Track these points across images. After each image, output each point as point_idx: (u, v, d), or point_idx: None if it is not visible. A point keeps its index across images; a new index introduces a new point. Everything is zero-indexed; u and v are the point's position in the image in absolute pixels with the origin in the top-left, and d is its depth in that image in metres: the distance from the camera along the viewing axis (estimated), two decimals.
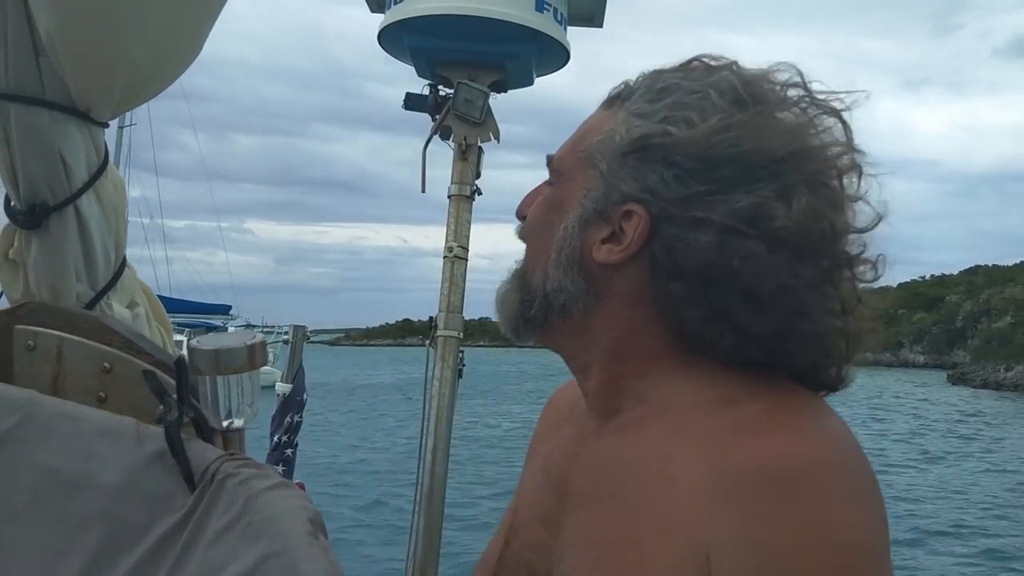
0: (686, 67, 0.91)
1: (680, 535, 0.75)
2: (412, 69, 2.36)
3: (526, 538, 1.00)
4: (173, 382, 0.87)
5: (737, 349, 0.84)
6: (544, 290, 0.93)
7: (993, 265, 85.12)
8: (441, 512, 2.26)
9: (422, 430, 2.31)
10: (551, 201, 0.95)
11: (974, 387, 51.80)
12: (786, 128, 0.85)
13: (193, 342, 0.90)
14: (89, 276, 1.08)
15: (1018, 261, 79.71)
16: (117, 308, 1.12)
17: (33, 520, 0.85)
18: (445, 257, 2.35)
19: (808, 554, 0.71)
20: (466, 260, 2.36)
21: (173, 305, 35.05)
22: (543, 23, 2.14)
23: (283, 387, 2.89)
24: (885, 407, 36.61)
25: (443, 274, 2.35)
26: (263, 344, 0.90)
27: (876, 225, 0.87)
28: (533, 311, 0.95)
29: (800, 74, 0.89)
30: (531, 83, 2.38)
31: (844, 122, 0.87)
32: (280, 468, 2.73)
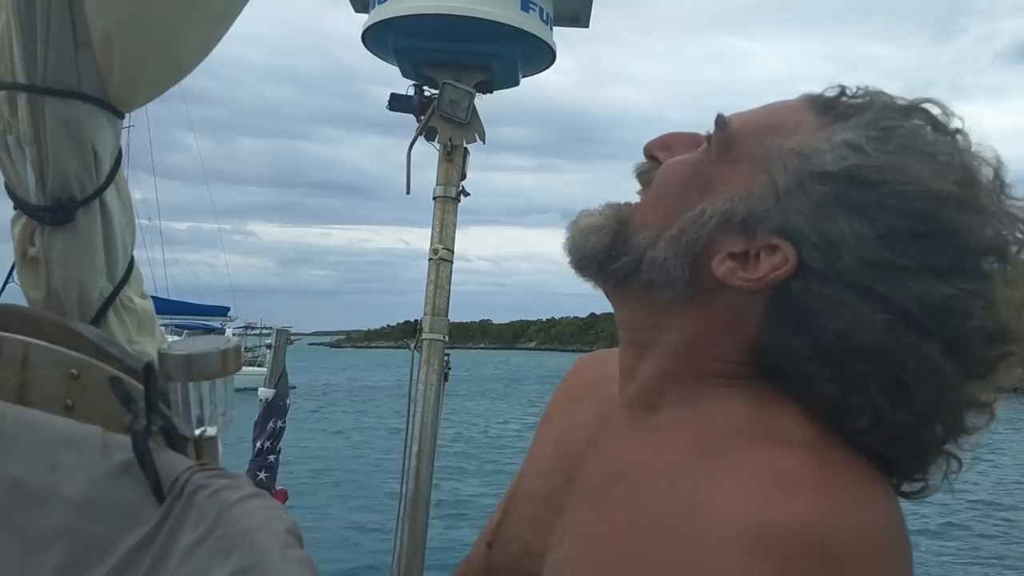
0: (915, 109, 0.79)
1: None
2: (398, 70, 2.33)
3: (525, 511, 0.96)
4: (142, 389, 0.84)
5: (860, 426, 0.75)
6: (642, 254, 0.82)
7: None
8: (426, 517, 2.23)
9: (407, 435, 2.28)
10: (700, 170, 0.82)
11: None
12: (1006, 217, 0.76)
13: (163, 347, 0.87)
14: (109, 270, 1.07)
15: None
16: (138, 301, 1.11)
17: None
18: (430, 259, 2.32)
19: None
20: (451, 262, 2.33)
21: (171, 307, 34.91)
22: (529, 23, 2.12)
23: (266, 392, 2.86)
24: None
25: (428, 276, 2.32)
26: (237, 349, 0.87)
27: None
28: (618, 265, 0.84)
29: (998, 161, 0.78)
30: (517, 83, 2.36)
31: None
32: (263, 474, 2.69)
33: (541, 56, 2.25)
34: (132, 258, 1.12)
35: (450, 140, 2.29)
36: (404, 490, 2.23)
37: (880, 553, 0.69)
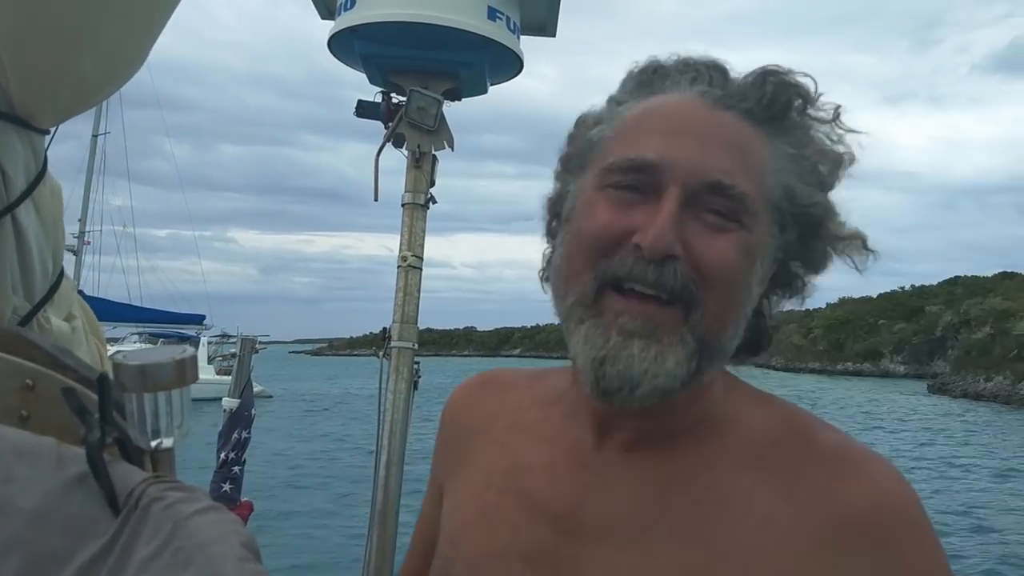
0: (820, 112, 0.89)
1: None
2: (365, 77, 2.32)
3: (489, 570, 0.88)
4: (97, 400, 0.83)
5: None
6: (728, 349, 0.84)
7: (972, 276, 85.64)
8: (395, 527, 2.21)
9: (376, 445, 2.27)
10: (747, 248, 0.82)
11: (954, 397, 51.78)
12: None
13: (118, 356, 0.85)
14: (26, 289, 1.03)
15: (997, 272, 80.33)
16: (55, 322, 1.07)
17: None
18: (399, 267, 2.31)
19: None
20: (420, 269, 2.32)
21: (144, 315, 34.47)
22: (496, 31, 2.13)
23: (230, 402, 2.82)
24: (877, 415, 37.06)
25: (397, 283, 2.31)
26: (193, 359, 0.86)
27: None
28: (704, 379, 0.83)
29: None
30: (485, 91, 2.36)
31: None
32: (227, 487, 2.66)
33: (509, 64, 2.26)
34: (60, 278, 1.09)
35: (418, 147, 2.28)
36: (374, 500, 2.22)
37: (921, 503, 0.80)
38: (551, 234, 0.95)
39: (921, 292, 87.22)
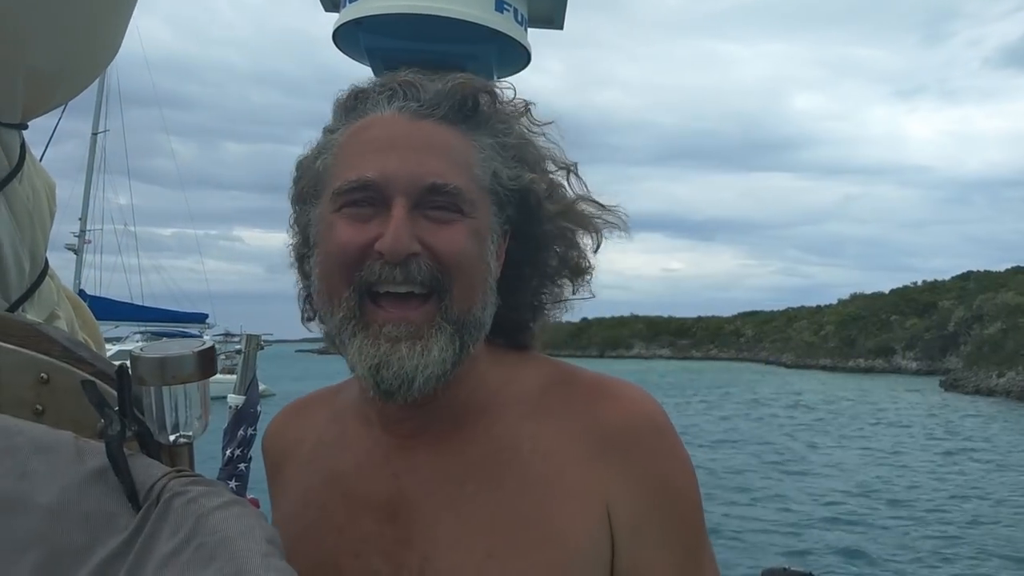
0: (510, 107, 1.04)
1: (576, 498, 0.91)
2: (370, 70, 2.30)
3: (345, 570, 0.96)
4: (115, 393, 0.81)
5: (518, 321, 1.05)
6: (483, 323, 0.96)
7: (985, 271, 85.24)
8: None
9: None
10: (475, 232, 0.95)
11: (966, 393, 51.56)
12: (575, 207, 1.07)
13: (136, 350, 0.84)
14: (1, 286, 1.01)
15: (1010, 267, 79.79)
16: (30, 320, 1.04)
17: None
18: None
19: (682, 477, 0.95)
20: None
21: (146, 314, 34.31)
22: (503, 23, 2.11)
23: (235, 399, 2.80)
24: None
25: None
26: (212, 351, 0.84)
27: None
28: (474, 351, 0.96)
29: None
30: None
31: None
32: (233, 484, 2.64)
33: (516, 57, 2.24)
34: (43, 274, 1.07)
35: None
36: None
37: (668, 417, 0.99)
38: (305, 275, 1.05)
39: (933, 287, 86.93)
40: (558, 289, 1.08)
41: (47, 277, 1.07)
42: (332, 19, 2.27)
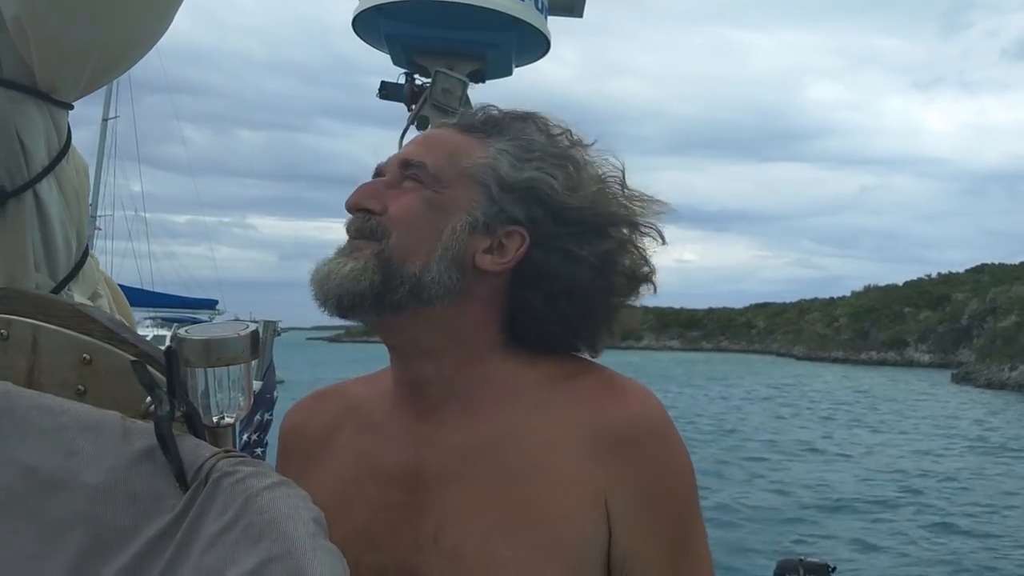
0: (541, 124, 1.09)
1: (575, 488, 0.96)
2: (389, 58, 2.30)
3: (376, 537, 1.02)
4: (160, 375, 0.82)
5: (561, 335, 1.08)
6: (418, 278, 1.01)
7: (1000, 263, 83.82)
8: None
9: None
10: (432, 201, 1.03)
11: (977, 386, 50.58)
12: (617, 200, 1.08)
13: (182, 331, 0.84)
14: (49, 266, 1.02)
15: None
16: (79, 300, 1.05)
17: (8, 521, 0.78)
18: None
19: (680, 476, 1.00)
20: None
21: (156, 299, 34.35)
22: (524, 11, 2.11)
23: (253, 384, 2.82)
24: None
25: None
26: (256, 334, 0.85)
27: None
28: (397, 296, 1.01)
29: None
30: (510, 73, 2.35)
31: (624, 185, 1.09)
32: None
33: (536, 45, 2.24)
34: (85, 254, 1.08)
35: None
36: None
37: (670, 419, 1.02)
38: None
39: (947, 280, 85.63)
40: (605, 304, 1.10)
41: (88, 256, 1.08)
42: (351, 6, 2.27)
